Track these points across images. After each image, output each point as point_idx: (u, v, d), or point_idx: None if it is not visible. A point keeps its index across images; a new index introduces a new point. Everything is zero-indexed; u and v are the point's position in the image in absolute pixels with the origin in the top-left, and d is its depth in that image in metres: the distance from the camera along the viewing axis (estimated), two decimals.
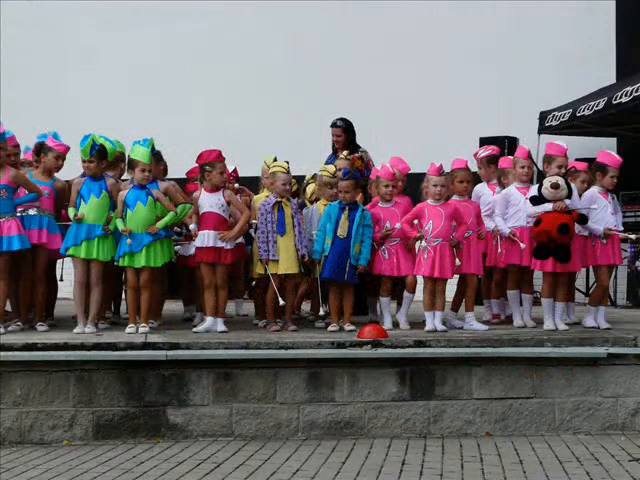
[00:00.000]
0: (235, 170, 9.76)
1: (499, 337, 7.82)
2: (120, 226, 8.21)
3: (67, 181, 8.76)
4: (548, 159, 8.68)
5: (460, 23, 14.03)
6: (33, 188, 8.44)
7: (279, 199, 8.55)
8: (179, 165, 9.92)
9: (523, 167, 9.00)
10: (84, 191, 8.31)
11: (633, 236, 9.40)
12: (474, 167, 9.16)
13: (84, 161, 8.38)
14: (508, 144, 12.59)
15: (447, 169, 8.55)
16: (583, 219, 8.39)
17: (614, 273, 10.97)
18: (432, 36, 14.01)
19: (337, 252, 8.42)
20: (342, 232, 8.45)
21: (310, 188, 9.64)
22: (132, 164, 8.37)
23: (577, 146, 12.15)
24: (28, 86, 14.67)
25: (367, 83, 14.10)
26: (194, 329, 8.35)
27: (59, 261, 9.13)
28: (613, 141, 13.72)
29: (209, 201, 8.33)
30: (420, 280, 8.59)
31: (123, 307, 9.40)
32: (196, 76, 14.63)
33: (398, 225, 8.45)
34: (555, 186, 8.28)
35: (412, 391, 7.51)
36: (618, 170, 8.71)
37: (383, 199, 8.76)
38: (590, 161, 9.17)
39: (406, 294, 8.70)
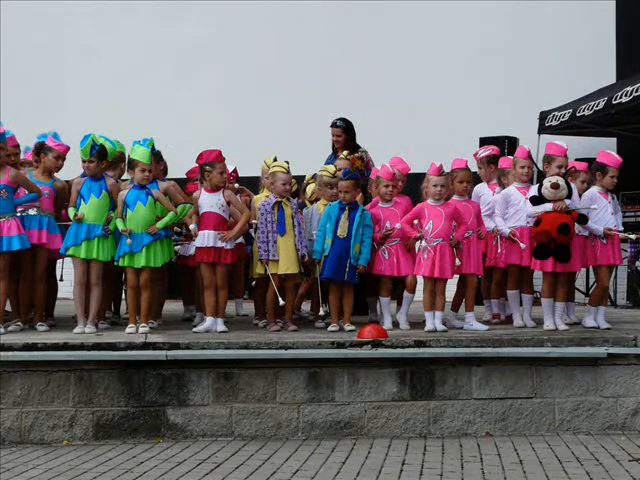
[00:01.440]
0: (235, 170, 9.77)
1: (499, 337, 7.82)
2: (120, 226, 8.20)
3: (67, 181, 8.76)
4: (548, 159, 8.67)
5: (460, 23, 14.04)
6: (33, 188, 8.44)
7: (279, 199, 8.55)
8: (179, 165, 9.92)
9: (523, 167, 8.99)
10: (84, 191, 8.31)
11: (633, 236, 9.43)
12: (474, 167, 9.16)
13: (84, 161, 8.38)
14: (508, 144, 12.61)
15: (447, 169, 8.55)
16: (583, 219, 8.39)
17: (614, 273, 10.97)
18: (432, 36, 14.02)
19: (337, 252, 8.42)
20: (342, 232, 8.44)
21: (310, 188, 9.63)
22: (132, 164, 8.35)
23: (577, 146, 12.17)
24: (28, 86, 14.68)
25: (367, 83, 14.11)
26: (194, 329, 8.35)
27: (59, 261, 9.13)
28: (613, 141, 13.73)
29: (209, 201, 8.33)
30: (420, 280, 8.59)
31: (123, 307, 9.40)
32: (196, 76, 14.65)
33: (398, 225, 8.45)
34: (555, 186, 8.28)
35: (412, 391, 7.51)
36: (618, 170, 8.71)
37: (383, 199, 8.76)
38: (590, 161, 9.16)
39: (406, 294, 8.71)
